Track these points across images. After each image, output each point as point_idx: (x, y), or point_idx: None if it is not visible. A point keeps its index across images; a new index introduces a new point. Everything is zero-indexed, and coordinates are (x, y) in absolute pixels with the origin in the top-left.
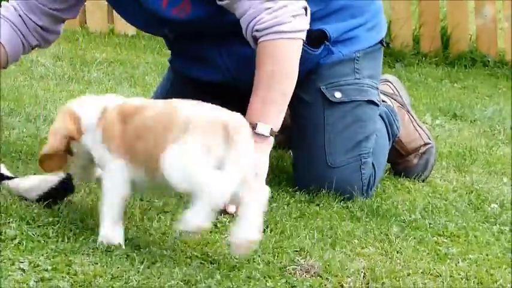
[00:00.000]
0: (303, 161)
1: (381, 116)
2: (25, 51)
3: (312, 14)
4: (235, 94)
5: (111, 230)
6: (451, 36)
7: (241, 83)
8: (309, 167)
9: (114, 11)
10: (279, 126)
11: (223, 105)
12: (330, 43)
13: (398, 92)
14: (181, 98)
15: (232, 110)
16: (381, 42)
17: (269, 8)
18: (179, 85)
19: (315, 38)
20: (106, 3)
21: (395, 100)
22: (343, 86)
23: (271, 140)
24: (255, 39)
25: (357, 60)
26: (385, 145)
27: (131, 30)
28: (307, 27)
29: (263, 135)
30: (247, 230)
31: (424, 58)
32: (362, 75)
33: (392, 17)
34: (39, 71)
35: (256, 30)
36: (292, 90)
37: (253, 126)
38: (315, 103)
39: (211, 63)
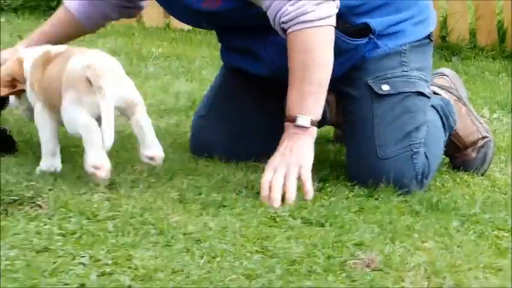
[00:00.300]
0: (355, 155)
1: (435, 108)
2: (103, 23)
3: (355, 8)
4: (284, 87)
5: (50, 160)
6: (508, 30)
7: (286, 75)
8: (360, 160)
9: None
10: (319, 115)
11: (273, 99)
12: (375, 36)
13: (455, 85)
14: (232, 91)
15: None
16: (428, 36)
17: None
18: (230, 78)
19: (358, 31)
20: None
21: (451, 93)
22: (390, 79)
23: (313, 130)
24: (284, 31)
25: (403, 53)
26: (440, 136)
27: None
28: (334, 11)
29: (304, 126)
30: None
31: (480, 52)
32: (409, 68)
33: (449, 11)
34: None
35: (283, 22)
36: (329, 77)
37: (293, 119)
38: (363, 97)
39: (257, 56)
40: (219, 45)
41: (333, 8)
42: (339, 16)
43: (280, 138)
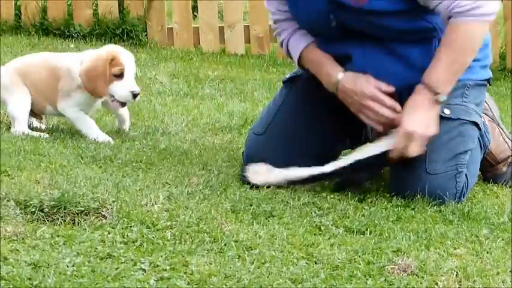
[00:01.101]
0: (403, 166)
1: None
2: None
3: None
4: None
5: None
6: None
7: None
8: (408, 172)
9: (226, 33)
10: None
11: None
12: None
13: (490, 107)
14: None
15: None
16: (488, 80)
17: None
18: (292, 101)
19: None
20: (218, 25)
21: (486, 114)
22: (452, 105)
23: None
24: (448, 18)
25: (467, 87)
26: (478, 157)
27: (241, 49)
28: (497, 9)
29: (440, 102)
30: None
31: (509, 73)
32: (469, 101)
33: None
34: (157, 87)
35: (455, 12)
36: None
37: (435, 92)
38: None
39: (353, 63)
40: (270, 69)
41: (497, 5)
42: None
43: (322, 161)
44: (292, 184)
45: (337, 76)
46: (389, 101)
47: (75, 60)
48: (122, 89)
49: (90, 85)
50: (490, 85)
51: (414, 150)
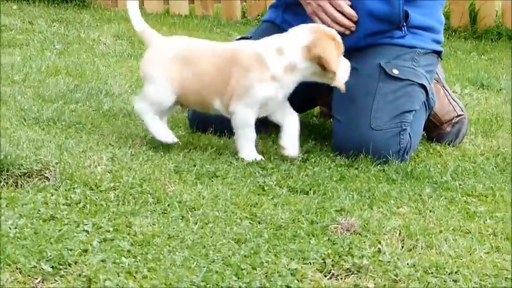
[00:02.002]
0: (347, 123)
1: None
2: None
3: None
4: None
5: None
6: (479, 13)
7: None
8: (352, 128)
9: None
10: None
11: None
12: (407, 26)
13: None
14: None
15: None
16: (439, 55)
17: None
18: None
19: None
20: None
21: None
22: (401, 67)
23: None
24: None
25: (417, 54)
26: (423, 117)
27: (185, 10)
28: None
29: None
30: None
31: (454, 33)
32: (418, 65)
33: None
34: (100, 49)
35: None
36: None
37: None
38: (371, 75)
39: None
40: (214, 29)
41: None
42: None
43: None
44: None
45: None
46: (347, 9)
47: (268, 49)
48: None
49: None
50: (441, 59)
51: None
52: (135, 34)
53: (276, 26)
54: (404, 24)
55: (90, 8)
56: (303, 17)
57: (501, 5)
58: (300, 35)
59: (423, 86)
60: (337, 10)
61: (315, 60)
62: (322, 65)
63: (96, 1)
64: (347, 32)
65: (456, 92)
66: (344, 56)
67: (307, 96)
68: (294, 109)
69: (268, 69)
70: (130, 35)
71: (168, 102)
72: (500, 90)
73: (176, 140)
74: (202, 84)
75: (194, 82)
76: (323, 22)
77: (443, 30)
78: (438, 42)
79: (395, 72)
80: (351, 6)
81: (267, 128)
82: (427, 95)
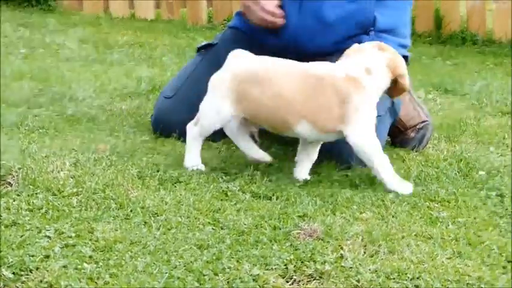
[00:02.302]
0: None
1: None
2: None
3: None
4: None
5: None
6: (444, 18)
7: (299, 49)
8: None
9: None
10: None
11: None
12: (374, 31)
13: None
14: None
15: None
16: (406, 60)
17: None
18: (204, 67)
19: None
20: None
21: None
22: None
23: None
24: None
25: None
26: (387, 123)
27: (150, 15)
28: None
29: None
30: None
31: (419, 38)
32: None
33: None
34: (65, 53)
35: None
36: None
37: None
38: None
39: (285, 17)
40: (180, 34)
41: None
42: None
43: None
44: None
45: None
46: (269, 7)
47: (359, 70)
48: None
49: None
50: (408, 65)
51: None
52: (100, 38)
53: (241, 32)
54: (372, 29)
55: (56, 12)
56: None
57: (466, 10)
58: (376, 54)
59: None
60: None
61: (394, 79)
62: (395, 82)
63: (62, 4)
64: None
65: (420, 97)
66: (313, 60)
67: None
68: None
69: (366, 91)
70: (95, 39)
71: (221, 122)
72: (464, 95)
73: (269, 158)
74: (280, 105)
75: (269, 103)
76: (252, 22)
77: (409, 36)
78: (405, 46)
79: None
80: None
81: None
82: (393, 100)
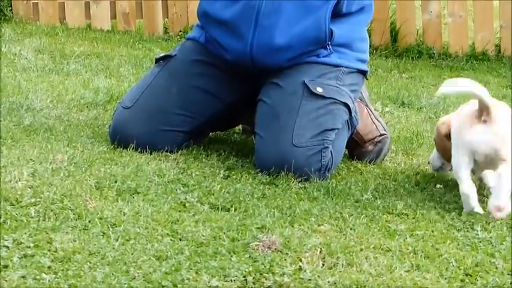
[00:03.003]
0: (269, 139)
1: None
2: None
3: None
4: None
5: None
6: (400, 31)
7: (250, 63)
8: (274, 144)
9: (91, 8)
10: None
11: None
12: (331, 44)
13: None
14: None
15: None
16: (365, 75)
17: None
18: (162, 78)
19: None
20: (84, 0)
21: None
22: (325, 86)
23: None
24: None
25: (342, 72)
26: (345, 136)
27: (106, 25)
28: None
29: None
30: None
31: (375, 51)
32: (343, 84)
33: None
34: (22, 63)
35: None
36: None
37: None
38: (295, 93)
39: (239, 33)
40: (136, 45)
41: None
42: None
43: (189, 137)
44: None
45: None
46: None
47: None
48: None
49: None
50: (366, 79)
51: None
52: (56, 49)
53: (200, 45)
54: (329, 43)
55: (12, 22)
56: (226, 35)
57: (422, 24)
58: None
59: (347, 105)
60: None
61: None
62: None
63: (18, 14)
64: None
65: (377, 110)
66: (269, 74)
67: (229, 115)
68: (216, 128)
69: None
70: (52, 49)
71: None
72: (420, 108)
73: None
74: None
75: None
76: None
77: (368, 50)
78: (363, 61)
79: (319, 90)
80: (280, 33)
81: (199, 140)
82: (350, 114)
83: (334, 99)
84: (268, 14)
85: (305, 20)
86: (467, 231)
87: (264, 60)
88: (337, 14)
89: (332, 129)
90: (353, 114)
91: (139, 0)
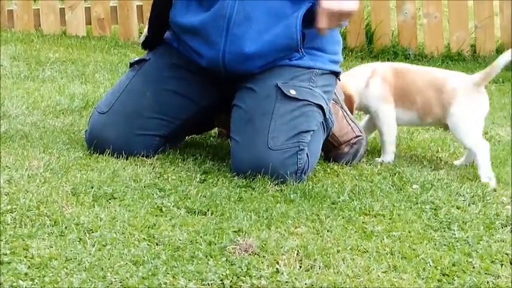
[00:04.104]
0: (245, 143)
1: None
2: None
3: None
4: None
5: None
6: (375, 32)
7: (223, 68)
8: (250, 148)
9: (67, 15)
10: None
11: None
12: (303, 47)
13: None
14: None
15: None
16: (337, 76)
17: None
18: (137, 82)
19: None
20: (59, 7)
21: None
22: (298, 88)
23: None
24: None
25: (315, 74)
26: (320, 138)
27: (82, 32)
28: None
29: None
30: None
31: (350, 53)
32: (315, 86)
33: None
34: None
35: None
36: None
37: None
38: (268, 96)
39: (210, 41)
40: (112, 50)
41: None
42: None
43: (165, 141)
44: None
45: None
46: None
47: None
48: None
49: None
50: (339, 80)
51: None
52: (32, 55)
53: (174, 48)
54: (302, 46)
55: None
56: (199, 42)
57: (397, 25)
58: None
59: (320, 107)
60: None
61: None
62: None
63: None
64: None
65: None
66: (243, 79)
67: (205, 118)
68: (192, 131)
69: None
70: (27, 56)
71: None
72: None
73: None
74: None
75: None
76: None
77: (340, 51)
78: (336, 62)
79: (293, 92)
80: (250, 42)
81: (175, 144)
82: (325, 115)
83: (308, 101)
84: (239, 23)
85: (275, 28)
86: (444, 231)
87: (236, 67)
88: (310, 19)
89: (307, 131)
90: (327, 115)
91: (114, 6)
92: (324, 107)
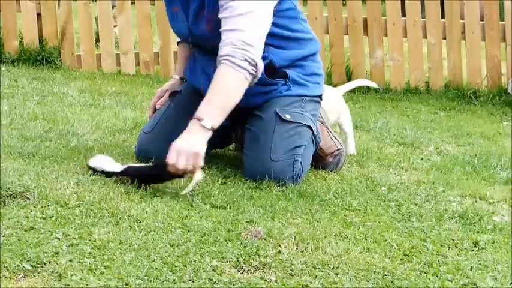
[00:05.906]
0: (253, 156)
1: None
2: None
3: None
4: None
5: None
6: (353, 72)
7: (237, 108)
8: (257, 160)
9: (121, 58)
10: (217, 125)
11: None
12: (290, 82)
13: (321, 115)
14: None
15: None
16: (320, 96)
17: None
18: (174, 109)
19: (279, 75)
20: (115, 52)
21: (318, 120)
22: (292, 113)
23: (210, 133)
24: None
25: (304, 101)
26: (311, 151)
27: (132, 71)
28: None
29: (205, 127)
30: None
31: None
32: (305, 111)
33: None
34: (68, 100)
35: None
36: (231, 107)
37: (200, 120)
38: (270, 120)
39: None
40: (155, 85)
41: (255, 66)
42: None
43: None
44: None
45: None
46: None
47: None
48: None
49: None
50: (321, 100)
51: (182, 163)
52: (95, 89)
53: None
54: (287, 81)
55: (61, 69)
56: (195, 74)
57: (370, 66)
58: None
59: (309, 127)
60: None
61: None
62: None
63: (65, 63)
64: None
65: (336, 132)
66: (246, 111)
67: (226, 135)
68: (216, 145)
69: None
70: (91, 89)
71: None
72: (369, 130)
73: None
74: None
75: None
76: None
77: (321, 69)
78: (318, 83)
79: (288, 117)
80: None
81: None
82: (313, 133)
83: (300, 123)
84: None
85: (263, 96)
86: (406, 222)
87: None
88: (291, 63)
89: (300, 146)
90: (315, 133)
91: (156, 52)
92: (312, 127)
